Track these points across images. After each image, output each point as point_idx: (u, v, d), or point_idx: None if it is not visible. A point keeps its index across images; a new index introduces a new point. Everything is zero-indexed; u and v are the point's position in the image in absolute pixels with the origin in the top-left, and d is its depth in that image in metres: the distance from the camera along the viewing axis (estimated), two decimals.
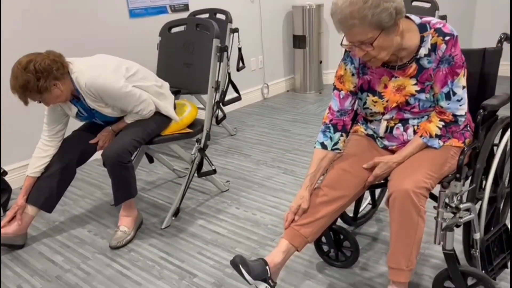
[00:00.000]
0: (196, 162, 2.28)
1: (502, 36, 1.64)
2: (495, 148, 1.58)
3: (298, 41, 4.47)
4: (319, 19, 4.38)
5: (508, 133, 1.60)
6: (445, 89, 1.44)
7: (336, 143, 1.57)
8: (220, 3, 3.58)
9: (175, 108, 2.25)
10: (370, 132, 1.65)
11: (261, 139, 3.37)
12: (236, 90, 3.09)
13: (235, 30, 3.16)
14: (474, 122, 1.59)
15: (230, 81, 2.88)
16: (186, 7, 3.53)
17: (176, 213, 2.27)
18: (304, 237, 1.47)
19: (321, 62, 4.57)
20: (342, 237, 1.81)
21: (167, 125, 2.18)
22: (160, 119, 2.14)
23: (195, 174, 2.31)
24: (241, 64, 3.18)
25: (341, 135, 1.58)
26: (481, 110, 1.48)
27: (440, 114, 1.48)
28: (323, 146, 1.57)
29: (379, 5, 1.27)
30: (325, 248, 1.84)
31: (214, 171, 2.35)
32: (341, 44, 1.41)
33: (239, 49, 3.14)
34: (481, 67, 1.65)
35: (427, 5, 3.19)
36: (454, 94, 1.44)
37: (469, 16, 4.80)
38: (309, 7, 4.29)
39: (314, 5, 4.29)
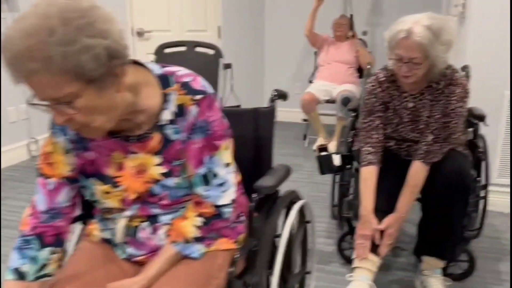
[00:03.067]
0: None
1: (275, 93, 1.32)
2: (276, 239, 1.20)
3: None
4: None
5: (292, 214, 1.25)
6: (202, 170, 0.99)
7: (43, 267, 0.96)
8: None
9: None
10: (108, 235, 1.08)
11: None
12: None
13: None
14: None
15: None
16: None
17: None
18: None
19: None
20: None
21: None
22: None
23: None
24: None
25: (53, 252, 0.98)
26: (255, 195, 1.09)
27: (198, 205, 1.01)
28: (20, 275, 0.93)
29: (74, 42, 0.75)
30: None
31: None
32: (29, 102, 0.83)
33: None
34: (255, 132, 1.29)
35: (211, 51, 2.92)
36: (215, 176, 0.99)
37: (259, 67, 4.84)
38: None
39: None
